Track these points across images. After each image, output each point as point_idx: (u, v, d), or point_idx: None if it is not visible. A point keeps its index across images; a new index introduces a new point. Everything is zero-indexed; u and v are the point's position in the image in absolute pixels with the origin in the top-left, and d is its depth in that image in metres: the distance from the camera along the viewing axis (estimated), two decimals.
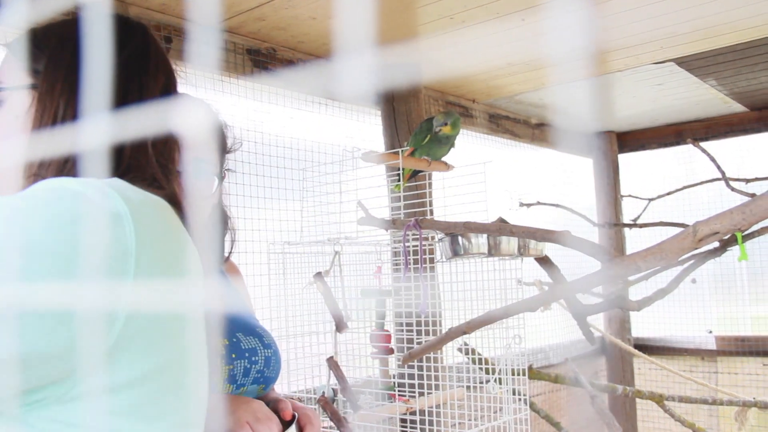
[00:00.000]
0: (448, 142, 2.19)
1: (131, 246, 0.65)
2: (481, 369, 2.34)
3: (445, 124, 2.12)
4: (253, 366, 1.26)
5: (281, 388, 2.04)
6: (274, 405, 1.22)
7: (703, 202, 3.90)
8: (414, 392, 2.25)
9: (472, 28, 2.39)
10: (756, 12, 2.37)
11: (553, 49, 2.66)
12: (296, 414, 1.22)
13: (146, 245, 0.67)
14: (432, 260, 2.36)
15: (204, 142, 1.10)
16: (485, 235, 2.03)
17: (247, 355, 1.26)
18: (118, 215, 0.66)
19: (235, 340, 1.26)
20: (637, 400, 4.20)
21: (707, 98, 3.59)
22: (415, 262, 1.96)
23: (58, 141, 0.75)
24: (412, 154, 2.20)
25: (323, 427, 2.24)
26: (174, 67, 0.89)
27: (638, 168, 4.45)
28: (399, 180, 2.27)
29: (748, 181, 2.88)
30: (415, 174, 2.34)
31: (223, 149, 1.29)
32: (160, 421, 0.69)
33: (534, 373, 2.55)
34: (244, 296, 1.47)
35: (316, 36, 2.37)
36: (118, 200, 0.67)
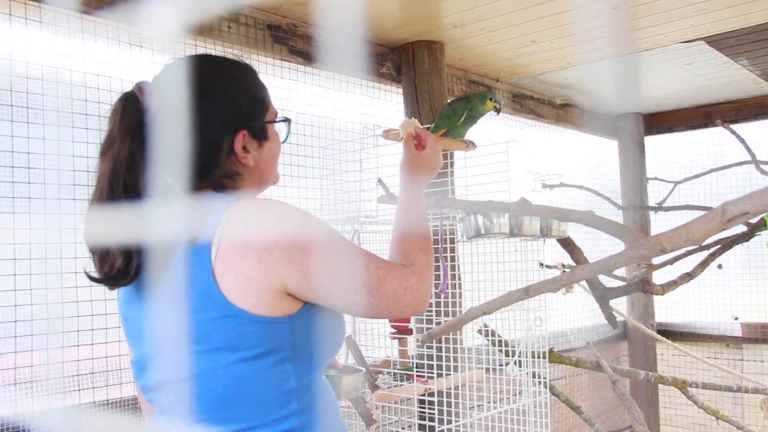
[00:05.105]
0: (475, 121, 2.21)
1: None
2: (500, 351, 2.32)
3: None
4: None
5: None
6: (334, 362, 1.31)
7: (731, 186, 3.81)
8: (433, 373, 2.24)
9: (496, 4, 2.34)
10: None
11: (579, 27, 2.60)
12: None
13: None
14: (453, 240, 2.33)
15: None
16: (507, 215, 2.00)
17: None
18: None
19: None
20: (660, 386, 4.16)
21: (738, 79, 3.50)
22: (435, 241, 1.94)
23: None
24: (446, 134, 2.21)
25: (341, 407, 2.24)
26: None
27: (665, 150, 4.36)
28: None
29: None
30: None
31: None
32: None
33: (555, 357, 2.52)
34: None
35: (336, 11, 2.34)
36: None
